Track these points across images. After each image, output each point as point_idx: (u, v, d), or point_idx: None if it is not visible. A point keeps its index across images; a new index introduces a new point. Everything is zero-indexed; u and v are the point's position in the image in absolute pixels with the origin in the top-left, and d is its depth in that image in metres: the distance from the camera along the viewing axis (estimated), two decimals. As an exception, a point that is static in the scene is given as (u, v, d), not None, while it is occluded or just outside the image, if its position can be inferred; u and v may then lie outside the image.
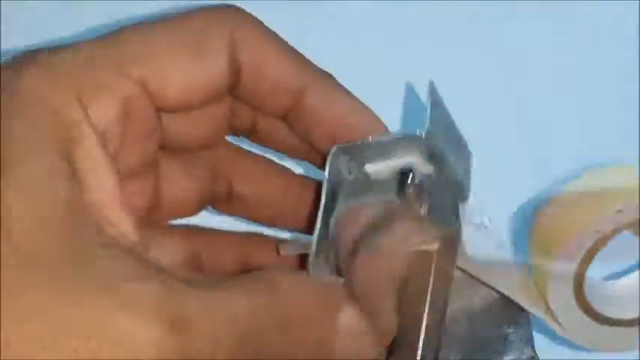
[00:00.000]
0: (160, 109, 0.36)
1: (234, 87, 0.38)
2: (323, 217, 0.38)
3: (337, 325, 0.34)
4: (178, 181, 0.40)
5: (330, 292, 0.35)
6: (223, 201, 0.42)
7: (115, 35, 0.35)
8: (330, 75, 0.39)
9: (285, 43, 0.38)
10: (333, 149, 0.38)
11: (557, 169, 0.51)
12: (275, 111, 0.39)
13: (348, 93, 0.39)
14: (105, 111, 0.34)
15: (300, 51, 0.38)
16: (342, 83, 0.39)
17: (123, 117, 0.34)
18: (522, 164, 0.53)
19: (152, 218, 0.40)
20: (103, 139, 0.33)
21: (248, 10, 0.38)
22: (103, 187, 0.33)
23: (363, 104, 0.39)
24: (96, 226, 0.32)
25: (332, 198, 0.39)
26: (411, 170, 0.37)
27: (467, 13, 0.56)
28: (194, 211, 0.41)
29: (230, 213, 0.43)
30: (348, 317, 0.34)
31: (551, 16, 0.55)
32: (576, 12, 0.55)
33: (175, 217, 0.41)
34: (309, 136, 0.39)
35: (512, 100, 0.54)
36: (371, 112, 0.39)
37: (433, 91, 0.38)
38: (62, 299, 0.29)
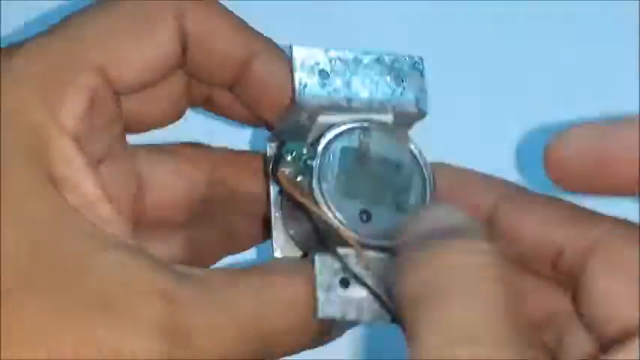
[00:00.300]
0: (118, 93, 0.36)
1: (184, 60, 0.37)
2: (275, 205, 0.39)
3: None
4: (157, 165, 0.40)
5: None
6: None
7: (65, 25, 0.35)
8: (275, 44, 0.39)
9: (232, 14, 0.38)
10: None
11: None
12: (223, 82, 0.39)
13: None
14: (72, 108, 0.33)
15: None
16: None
17: (89, 110, 0.34)
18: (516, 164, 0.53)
19: (140, 207, 0.39)
20: (74, 136, 0.33)
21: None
22: (84, 187, 0.33)
23: None
24: (89, 228, 0.32)
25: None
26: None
27: (466, 13, 0.56)
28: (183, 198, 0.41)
29: None
30: None
31: (551, 16, 0.56)
32: (576, 12, 0.55)
33: (165, 205, 0.40)
34: (255, 105, 0.39)
35: (511, 99, 0.54)
36: None
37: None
38: (61, 321, 0.29)
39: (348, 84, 0.38)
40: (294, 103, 0.37)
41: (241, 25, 0.38)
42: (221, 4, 0.38)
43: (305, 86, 0.37)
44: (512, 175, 0.53)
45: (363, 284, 0.36)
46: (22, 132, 0.32)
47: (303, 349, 0.35)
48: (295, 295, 0.34)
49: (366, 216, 0.37)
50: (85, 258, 0.31)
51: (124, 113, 0.37)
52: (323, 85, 0.38)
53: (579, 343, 0.37)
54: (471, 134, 0.51)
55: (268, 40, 0.39)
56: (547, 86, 0.54)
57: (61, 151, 0.32)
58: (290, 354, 0.35)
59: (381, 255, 0.36)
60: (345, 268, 0.36)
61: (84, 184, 0.33)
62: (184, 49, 0.37)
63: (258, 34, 0.39)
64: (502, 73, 0.54)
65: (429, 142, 0.39)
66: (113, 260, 0.31)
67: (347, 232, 0.36)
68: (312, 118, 0.38)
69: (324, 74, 0.38)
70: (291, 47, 0.38)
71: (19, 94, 0.32)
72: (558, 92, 0.54)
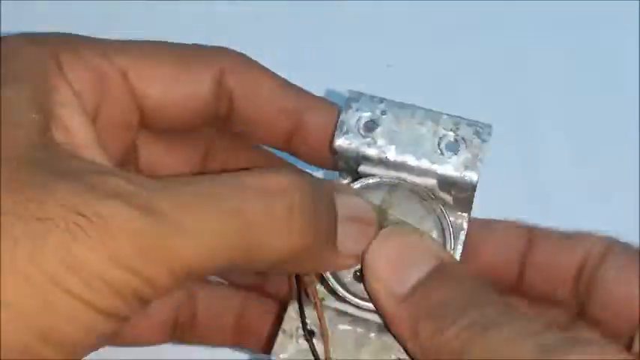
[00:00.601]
0: (140, 107, 0.37)
1: (227, 115, 0.38)
2: None
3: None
4: (164, 158, 0.40)
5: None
6: None
7: (107, 39, 0.37)
8: (324, 99, 0.39)
9: (275, 73, 0.38)
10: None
11: (551, 171, 0.51)
12: (277, 137, 0.39)
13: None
14: (79, 76, 0.35)
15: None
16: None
17: (97, 90, 0.35)
18: (516, 164, 0.53)
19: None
20: (76, 93, 0.34)
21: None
22: (79, 130, 0.33)
23: None
24: (69, 150, 0.32)
25: None
26: None
27: (465, 13, 0.56)
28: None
29: None
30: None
31: (551, 15, 0.56)
32: (576, 11, 0.55)
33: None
34: (314, 155, 0.39)
35: (511, 99, 0.54)
36: None
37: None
38: (35, 190, 0.29)
39: (392, 139, 0.36)
40: (331, 147, 0.37)
41: (287, 82, 0.39)
42: (261, 65, 0.39)
43: (346, 132, 0.36)
44: (507, 176, 0.53)
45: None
46: (29, 72, 0.33)
47: (284, 259, 0.33)
48: (278, 185, 0.33)
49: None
50: (61, 157, 0.31)
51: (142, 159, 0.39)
52: (365, 136, 0.36)
53: None
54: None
55: (316, 96, 0.39)
56: (547, 86, 0.54)
57: (64, 95, 0.33)
58: (273, 264, 0.33)
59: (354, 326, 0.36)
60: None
61: (80, 128, 0.33)
62: (227, 103, 0.38)
63: (305, 91, 0.39)
64: (501, 71, 0.55)
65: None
66: (85, 161, 0.31)
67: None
68: (350, 166, 0.37)
69: (370, 124, 0.36)
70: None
71: (34, 48, 0.34)
72: (558, 93, 0.54)
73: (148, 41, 0.37)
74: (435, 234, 0.37)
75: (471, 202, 0.37)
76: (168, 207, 0.30)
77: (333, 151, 0.37)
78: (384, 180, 0.37)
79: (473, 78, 0.54)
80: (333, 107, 0.38)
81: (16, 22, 0.55)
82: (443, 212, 0.36)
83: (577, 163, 0.52)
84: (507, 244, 0.40)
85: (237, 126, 0.39)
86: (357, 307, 0.36)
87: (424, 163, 0.36)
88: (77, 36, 0.36)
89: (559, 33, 0.55)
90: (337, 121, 0.37)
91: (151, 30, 0.55)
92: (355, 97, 0.37)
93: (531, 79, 0.55)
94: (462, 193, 0.37)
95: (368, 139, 0.36)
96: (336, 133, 0.37)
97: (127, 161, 0.39)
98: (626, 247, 0.39)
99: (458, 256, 0.37)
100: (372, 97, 0.37)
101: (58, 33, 0.36)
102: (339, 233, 0.35)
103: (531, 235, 0.40)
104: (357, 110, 0.37)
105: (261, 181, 0.32)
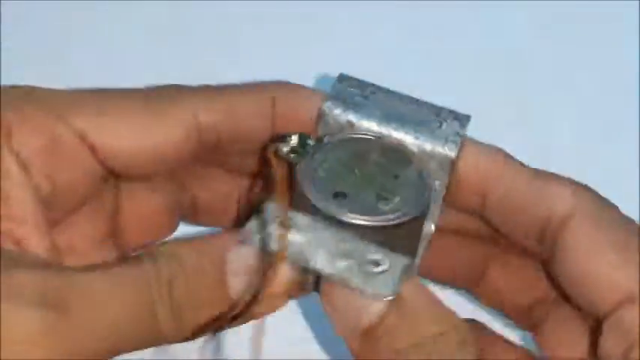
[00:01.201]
0: (104, 164, 0.36)
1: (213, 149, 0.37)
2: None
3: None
4: (142, 200, 0.39)
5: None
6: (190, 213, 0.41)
7: (63, 92, 0.35)
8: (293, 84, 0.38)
9: (254, 92, 0.37)
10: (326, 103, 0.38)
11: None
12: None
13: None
14: (27, 142, 0.34)
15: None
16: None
17: (50, 155, 0.34)
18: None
19: (118, 242, 0.38)
20: (23, 164, 0.33)
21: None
22: (19, 203, 0.33)
23: None
24: None
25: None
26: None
27: (464, 15, 0.56)
28: (167, 229, 0.40)
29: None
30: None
31: (551, 15, 0.56)
32: (576, 12, 0.55)
33: (147, 238, 0.39)
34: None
35: (511, 99, 0.54)
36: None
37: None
38: None
39: (379, 111, 0.38)
40: (320, 115, 0.37)
41: (263, 97, 0.37)
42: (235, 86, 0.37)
43: (334, 99, 0.37)
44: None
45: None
46: None
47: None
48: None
49: (340, 196, 0.36)
50: None
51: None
52: (354, 106, 0.37)
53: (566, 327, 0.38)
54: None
55: (288, 84, 0.38)
56: (546, 87, 0.54)
57: (4, 164, 0.33)
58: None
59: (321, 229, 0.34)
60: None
61: (21, 201, 0.33)
62: (208, 140, 0.36)
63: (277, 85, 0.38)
64: (501, 71, 0.55)
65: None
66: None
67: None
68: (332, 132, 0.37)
69: (358, 99, 0.37)
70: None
71: None
72: (557, 93, 0.54)
73: (108, 91, 0.36)
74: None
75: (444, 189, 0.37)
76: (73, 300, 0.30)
77: (319, 115, 0.37)
78: (371, 135, 0.37)
79: (467, 75, 0.54)
80: (301, 88, 0.38)
81: (16, 22, 0.55)
82: (430, 173, 0.37)
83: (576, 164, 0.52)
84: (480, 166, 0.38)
85: (226, 156, 0.38)
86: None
87: (408, 133, 0.37)
88: (28, 92, 0.35)
89: (559, 34, 0.55)
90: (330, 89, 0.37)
91: (154, 30, 0.55)
92: (346, 77, 0.38)
93: (531, 79, 0.55)
94: (439, 172, 0.37)
95: (355, 108, 0.37)
96: (327, 98, 0.37)
97: (98, 209, 0.38)
98: (593, 207, 0.35)
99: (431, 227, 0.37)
100: (361, 80, 0.38)
101: (8, 88, 0.35)
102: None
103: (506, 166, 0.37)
104: (349, 87, 0.38)
105: None
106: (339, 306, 0.33)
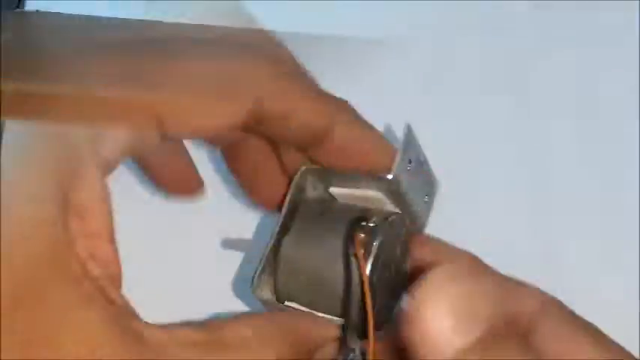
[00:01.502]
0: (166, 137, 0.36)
1: (258, 123, 0.37)
2: (278, 235, 0.39)
3: None
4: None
5: None
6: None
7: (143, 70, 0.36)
8: (355, 110, 0.39)
9: (312, 85, 0.38)
10: (302, 169, 0.39)
11: (556, 174, 0.51)
12: (300, 147, 0.39)
13: (370, 126, 0.40)
14: (112, 144, 0.34)
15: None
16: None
17: (129, 152, 0.36)
18: (519, 167, 0.53)
19: None
20: (104, 169, 0.34)
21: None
22: (97, 218, 0.33)
23: (382, 138, 0.40)
24: (78, 269, 0.32)
25: (290, 217, 0.39)
26: (364, 220, 0.37)
27: (464, 19, 0.56)
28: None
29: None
30: None
31: (551, 19, 0.56)
32: (576, 13, 0.55)
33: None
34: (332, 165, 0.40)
35: (511, 99, 0.54)
36: (389, 145, 0.40)
37: (409, 133, 0.39)
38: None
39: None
40: (390, 178, 0.38)
41: (321, 95, 0.38)
42: (301, 77, 0.38)
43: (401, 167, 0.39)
44: (509, 179, 0.53)
45: None
46: (55, 149, 0.33)
47: None
48: None
49: None
50: (62, 312, 0.31)
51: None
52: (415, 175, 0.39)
53: None
54: (470, 133, 0.51)
55: (348, 107, 0.39)
56: (546, 87, 0.54)
57: (87, 177, 0.33)
58: None
59: None
60: None
61: (99, 216, 0.33)
62: (258, 118, 0.37)
63: (338, 101, 0.39)
64: (501, 73, 0.55)
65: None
66: (82, 321, 0.31)
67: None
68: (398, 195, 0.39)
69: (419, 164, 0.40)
70: (408, 127, 0.39)
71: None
72: (557, 93, 0.54)
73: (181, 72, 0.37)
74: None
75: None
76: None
77: (391, 181, 0.38)
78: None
79: (466, 76, 0.54)
80: (361, 119, 0.39)
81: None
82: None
83: (577, 167, 0.52)
84: None
85: (264, 131, 0.39)
86: None
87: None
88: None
89: (558, 34, 0.55)
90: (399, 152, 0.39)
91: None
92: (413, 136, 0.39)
93: (531, 79, 0.55)
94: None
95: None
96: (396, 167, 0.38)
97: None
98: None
99: None
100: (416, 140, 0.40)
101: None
102: None
103: None
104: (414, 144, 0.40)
105: None
106: None
